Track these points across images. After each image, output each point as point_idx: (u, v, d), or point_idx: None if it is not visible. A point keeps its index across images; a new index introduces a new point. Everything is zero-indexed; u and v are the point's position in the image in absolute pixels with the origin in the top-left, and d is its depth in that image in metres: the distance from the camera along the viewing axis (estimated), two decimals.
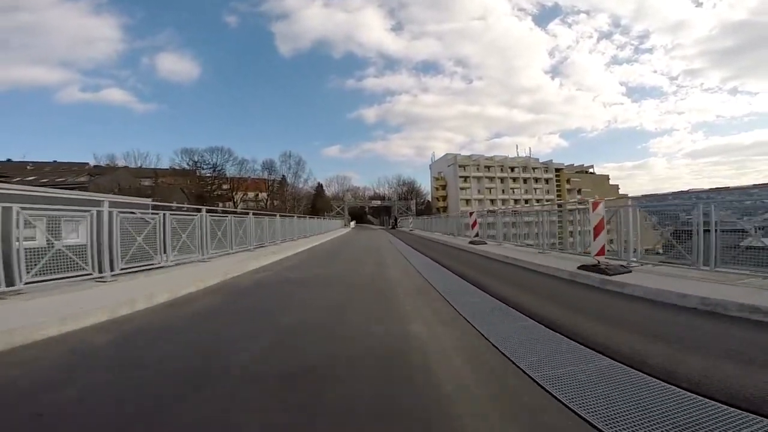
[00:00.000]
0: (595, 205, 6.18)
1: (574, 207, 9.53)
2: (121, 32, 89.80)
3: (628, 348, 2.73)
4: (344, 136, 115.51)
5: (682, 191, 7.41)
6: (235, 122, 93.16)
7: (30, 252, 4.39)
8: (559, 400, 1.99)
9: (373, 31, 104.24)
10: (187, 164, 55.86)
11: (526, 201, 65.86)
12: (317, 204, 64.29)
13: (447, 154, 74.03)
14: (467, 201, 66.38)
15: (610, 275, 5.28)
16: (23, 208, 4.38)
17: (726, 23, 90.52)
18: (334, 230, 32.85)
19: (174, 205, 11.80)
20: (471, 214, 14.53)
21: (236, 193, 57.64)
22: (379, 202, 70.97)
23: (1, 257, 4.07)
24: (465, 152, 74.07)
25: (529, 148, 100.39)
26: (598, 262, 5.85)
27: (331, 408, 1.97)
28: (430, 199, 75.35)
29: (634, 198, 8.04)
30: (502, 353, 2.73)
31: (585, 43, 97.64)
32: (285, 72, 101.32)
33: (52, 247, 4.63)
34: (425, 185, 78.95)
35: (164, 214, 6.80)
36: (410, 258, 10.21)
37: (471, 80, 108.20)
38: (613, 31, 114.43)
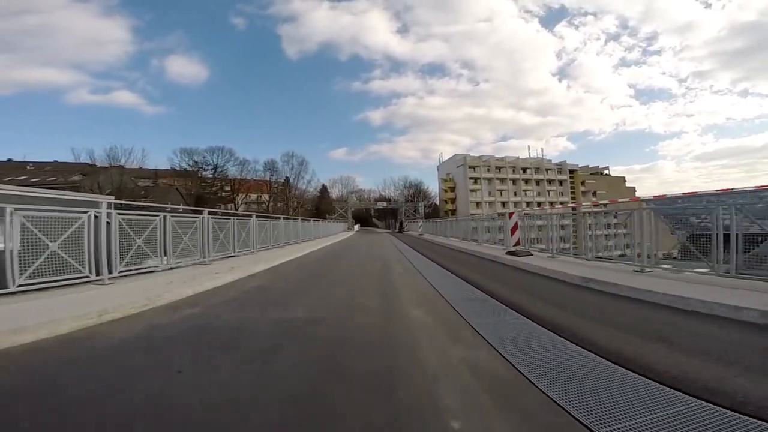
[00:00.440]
0: None
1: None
2: (130, 34, 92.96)
3: None
4: (350, 139, 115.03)
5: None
6: (242, 124, 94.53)
7: None
8: None
9: (379, 33, 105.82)
10: (188, 165, 55.37)
11: (539, 204, 63.95)
12: (321, 206, 63.23)
13: (456, 155, 72.48)
14: (477, 203, 64.76)
15: None
16: None
17: (735, 24, 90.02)
18: (334, 234, 30.47)
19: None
20: (511, 215, 11.23)
21: (237, 195, 56.90)
22: (385, 204, 69.50)
23: None
24: (473, 154, 72.59)
25: (541, 149, 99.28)
26: None
27: None
28: (438, 202, 73.83)
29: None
30: None
31: (592, 45, 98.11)
32: (291, 74, 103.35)
33: None
34: (432, 187, 77.54)
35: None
36: (434, 279, 6.81)
37: (477, 82, 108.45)
38: (621, 32, 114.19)
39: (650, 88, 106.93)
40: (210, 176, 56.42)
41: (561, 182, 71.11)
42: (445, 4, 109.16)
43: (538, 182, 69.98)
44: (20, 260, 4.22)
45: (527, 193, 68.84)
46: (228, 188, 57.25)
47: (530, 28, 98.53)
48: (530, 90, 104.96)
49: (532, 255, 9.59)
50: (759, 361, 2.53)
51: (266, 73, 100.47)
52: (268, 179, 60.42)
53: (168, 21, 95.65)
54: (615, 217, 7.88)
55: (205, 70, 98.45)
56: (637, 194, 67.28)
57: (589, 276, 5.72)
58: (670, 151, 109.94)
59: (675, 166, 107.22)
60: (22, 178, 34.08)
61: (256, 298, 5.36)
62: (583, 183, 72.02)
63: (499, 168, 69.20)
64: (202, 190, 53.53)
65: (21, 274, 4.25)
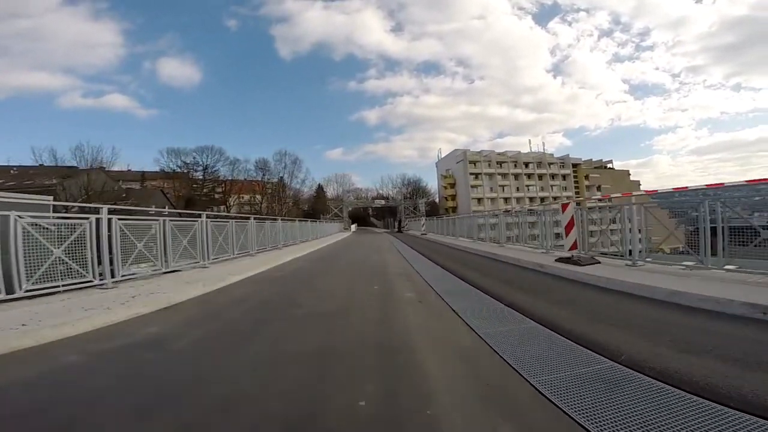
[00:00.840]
0: None
1: None
2: (122, 37, 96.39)
3: None
4: (346, 139, 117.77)
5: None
6: (236, 126, 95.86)
7: None
8: None
9: (373, 32, 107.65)
10: (177, 166, 54.61)
11: (542, 199, 64.08)
12: (317, 206, 62.72)
13: (456, 150, 72.38)
14: (479, 200, 64.70)
15: None
16: None
17: (727, 19, 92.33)
18: (325, 237, 27.96)
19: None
20: (564, 207, 8.15)
21: (229, 197, 56.21)
22: (383, 202, 69.07)
23: None
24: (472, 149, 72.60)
25: (543, 143, 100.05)
26: None
27: None
28: (437, 200, 73.60)
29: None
30: None
31: (586, 41, 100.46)
32: (286, 75, 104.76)
33: None
34: (431, 185, 77.31)
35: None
36: (475, 316, 4.12)
37: (473, 80, 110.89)
38: (614, 28, 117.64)
39: (644, 84, 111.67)
40: (200, 177, 55.70)
41: (564, 177, 71.26)
42: (438, 1, 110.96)
43: (540, 177, 70.08)
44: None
45: (530, 188, 68.90)
46: (220, 189, 56.54)
47: (524, 25, 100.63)
48: (525, 87, 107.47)
49: (599, 263, 7.00)
50: None
51: (260, 75, 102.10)
52: (260, 179, 59.78)
53: (159, 24, 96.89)
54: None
55: (198, 73, 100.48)
56: (642, 189, 67.68)
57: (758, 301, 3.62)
58: (665, 145, 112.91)
59: (671, 161, 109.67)
60: (1, 181, 33.25)
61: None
62: (586, 177, 72.22)
63: (500, 163, 69.17)
64: (193, 192, 52.79)
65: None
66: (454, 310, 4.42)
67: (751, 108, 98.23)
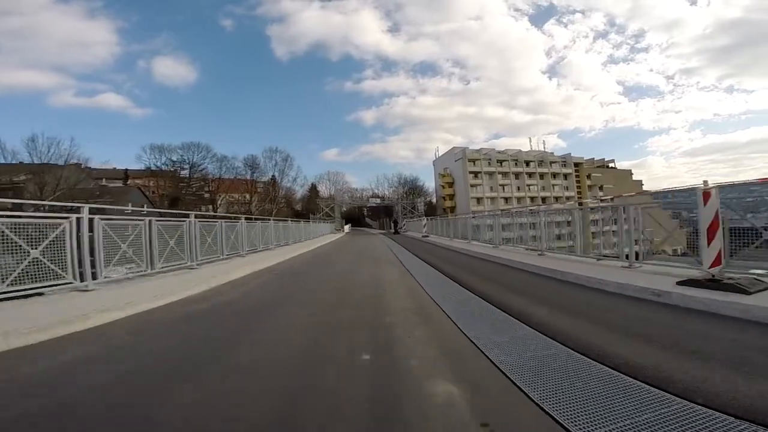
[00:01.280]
0: None
1: None
2: (116, 36, 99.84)
3: None
4: (342, 139, 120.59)
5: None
6: (231, 126, 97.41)
7: None
8: None
9: (370, 33, 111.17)
10: (163, 164, 53.87)
11: (543, 199, 64.30)
12: (310, 206, 62.16)
13: (454, 148, 72.34)
14: (478, 199, 64.70)
15: None
16: None
17: (721, 21, 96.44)
18: (315, 238, 25.64)
19: None
20: (706, 196, 5.08)
21: (218, 196, 55.58)
22: (378, 200, 68.65)
23: None
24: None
25: (543, 141, 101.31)
26: None
27: None
28: (434, 200, 73.47)
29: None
30: None
31: (581, 43, 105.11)
32: (282, 75, 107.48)
33: None
34: (429, 185, 77.23)
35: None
36: None
37: (469, 81, 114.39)
38: (609, 30, 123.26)
39: (639, 85, 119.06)
40: (187, 176, 54.96)
41: (566, 176, 71.60)
42: (435, 2, 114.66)
43: (542, 176, 70.30)
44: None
45: (530, 187, 69.09)
46: (207, 189, 55.85)
47: (520, 26, 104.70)
48: (521, 88, 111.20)
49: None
50: None
51: (256, 75, 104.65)
52: (249, 177, 59.11)
53: (154, 23, 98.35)
54: None
55: (193, 73, 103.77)
56: (644, 189, 68.17)
57: None
58: (659, 147, 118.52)
59: (664, 162, 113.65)
60: None
61: None
62: (589, 176, 72.68)
63: (500, 161, 69.27)
64: (179, 191, 52.07)
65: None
66: None
67: (743, 110, 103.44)
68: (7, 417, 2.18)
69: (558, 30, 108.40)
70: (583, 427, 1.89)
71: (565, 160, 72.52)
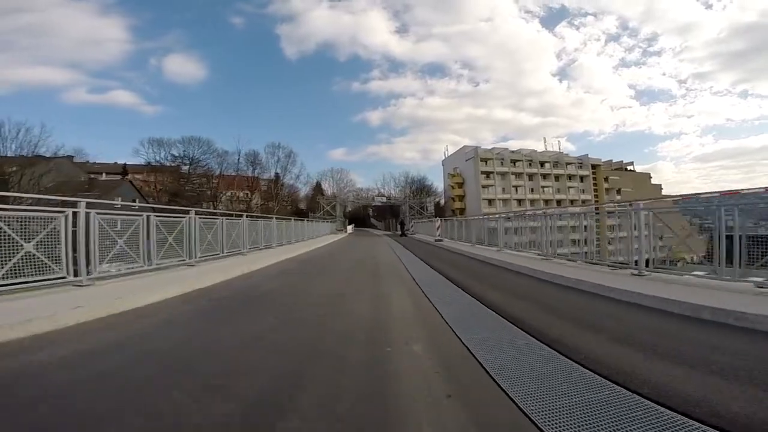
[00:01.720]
0: None
1: None
2: (128, 33, 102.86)
3: None
4: (349, 139, 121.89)
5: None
6: (239, 124, 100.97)
7: None
8: None
9: (378, 33, 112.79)
10: (164, 158, 54.38)
11: (558, 202, 63.60)
12: (312, 204, 62.14)
13: (465, 146, 71.96)
14: (490, 201, 64.25)
15: None
16: None
17: (736, 25, 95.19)
18: (313, 239, 23.51)
19: None
20: None
21: (219, 192, 55.90)
22: (384, 199, 68.13)
23: None
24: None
25: (558, 141, 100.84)
26: None
27: None
28: (443, 201, 73.00)
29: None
30: None
31: (593, 46, 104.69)
32: (291, 74, 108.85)
33: None
34: (437, 185, 76.78)
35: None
36: None
37: (477, 83, 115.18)
38: (621, 33, 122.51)
39: (650, 89, 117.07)
40: (189, 172, 55.38)
41: (582, 179, 70.86)
42: (445, 3, 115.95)
43: (557, 178, 69.62)
44: None
45: (545, 189, 68.48)
46: (208, 185, 56.18)
47: (531, 28, 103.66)
48: (530, 90, 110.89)
49: None
50: None
51: (265, 74, 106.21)
52: (250, 173, 59.38)
53: (166, 20, 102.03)
54: None
55: (203, 71, 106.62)
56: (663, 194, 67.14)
57: None
58: (669, 152, 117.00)
59: (674, 167, 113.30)
60: None
61: None
62: (606, 179, 71.80)
63: (513, 161, 68.74)
64: (180, 186, 52.48)
65: None
66: None
67: (757, 115, 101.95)
68: None
69: (569, 32, 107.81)
70: None
71: (581, 162, 71.70)
